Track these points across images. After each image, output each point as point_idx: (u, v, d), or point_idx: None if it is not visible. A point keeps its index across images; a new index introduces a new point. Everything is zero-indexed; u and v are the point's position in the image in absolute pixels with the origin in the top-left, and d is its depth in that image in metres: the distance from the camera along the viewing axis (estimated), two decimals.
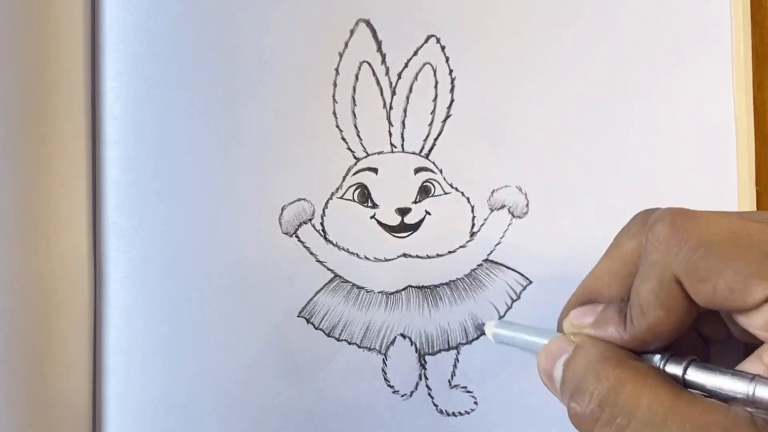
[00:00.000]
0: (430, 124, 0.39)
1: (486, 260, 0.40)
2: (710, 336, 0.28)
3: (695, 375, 0.25)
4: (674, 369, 0.25)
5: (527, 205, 0.39)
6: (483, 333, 0.33)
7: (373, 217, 0.39)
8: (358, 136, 0.39)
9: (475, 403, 0.39)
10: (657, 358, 0.26)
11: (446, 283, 0.39)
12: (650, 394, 0.24)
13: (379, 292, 0.39)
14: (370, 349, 0.39)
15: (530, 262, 0.39)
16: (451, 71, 0.39)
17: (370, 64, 0.39)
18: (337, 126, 0.39)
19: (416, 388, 0.39)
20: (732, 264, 0.23)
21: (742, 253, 0.24)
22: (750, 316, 0.24)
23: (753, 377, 0.24)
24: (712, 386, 0.24)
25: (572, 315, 0.28)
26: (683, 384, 0.25)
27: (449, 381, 0.39)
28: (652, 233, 0.25)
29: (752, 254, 0.23)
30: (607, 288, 0.28)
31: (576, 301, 0.29)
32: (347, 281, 0.39)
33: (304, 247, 0.39)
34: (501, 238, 0.40)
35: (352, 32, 0.39)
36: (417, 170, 0.39)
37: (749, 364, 0.24)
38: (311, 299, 0.39)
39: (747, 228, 0.24)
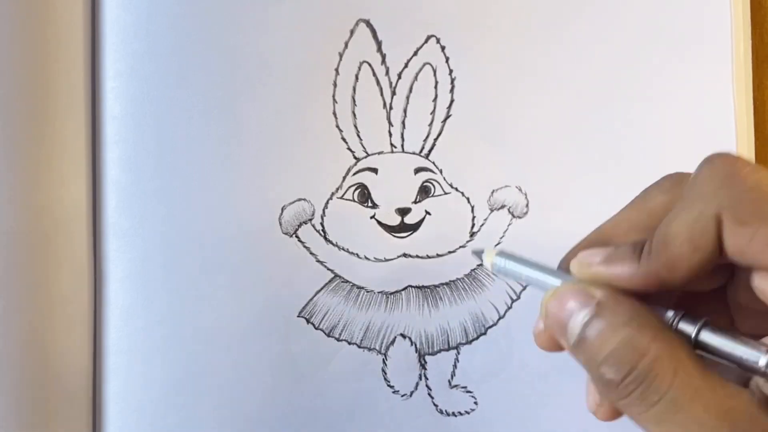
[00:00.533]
0: (430, 124, 0.39)
1: None
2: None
3: (708, 337, 0.24)
4: (687, 327, 0.25)
5: (527, 205, 0.39)
6: (480, 261, 0.30)
7: (373, 217, 0.39)
8: (358, 136, 0.39)
9: (475, 403, 0.39)
10: (670, 314, 0.25)
11: (446, 283, 0.39)
12: (682, 374, 0.23)
13: (379, 292, 0.39)
14: (370, 349, 0.39)
15: None
16: (451, 71, 0.39)
17: (370, 64, 0.39)
18: (337, 126, 0.39)
19: (416, 388, 0.39)
20: None
21: None
22: None
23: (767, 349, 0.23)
24: (724, 351, 0.24)
25: (582, 255, 0.26)
26: (694, 344, 0.25)
27: (449, 381, 0.39)
28: (711, 165, 0.24)
29: None
30: (623, 236, 0.27)
31: (586, 243, 0.28)
32: (347, 281, 0.39)
33: (304, 247, 0.39)
34: (501, 238, 0.40)
35: (352, 32, 0.39)
36: (417, 170, 0.39)
37: None
38: (311, 299, 0.39)
39: None
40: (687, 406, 0.23)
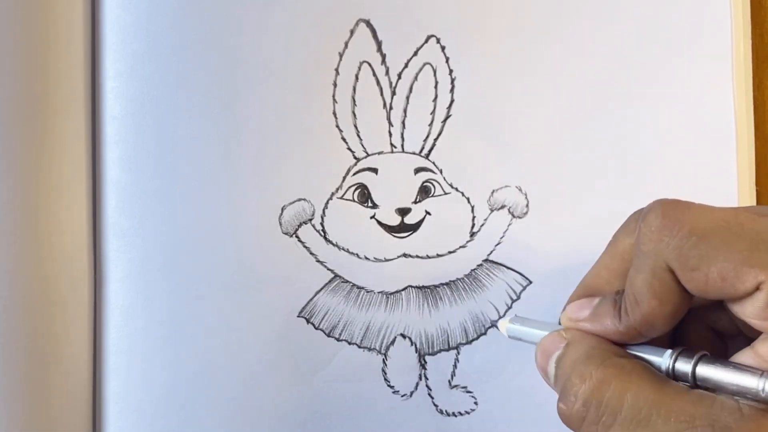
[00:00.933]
0: (430, 124, 0.39)
1: (486, 260, 0.40)
2: (726, 331, 0.28)
3: (705, 370, 0.25)
4: (684, 365, 0.25)
5: (527, 205, 0.39)
6: (495, 327, 0.33)
7: (373, 217, 0.39)
8: (358, 136, 0.39)
9: (475, 403, 0.39)
10: (668, 353, 0.26)
11: (446, 283, 0.39)
12: (634, 391, 0.24)
13: (379, 292, 0.39)
14: (370, 349, 0.39)
15: (530, 262, 0.39)
16: (451, 71, 0.39)
17: (370, 64, 0.39)
18: (337, 126, 0.39)
19: (416, 388, 0.39)
20: (723, 252, 0.24)
21: (733, 241, 0.24)
22: (743, 304, 0.24)
23: (762, 373, 0.24)
24: (722, 382, 0.24)
25: (569, 309, 0.28)
26: (693, 379, 0.25)
27: (449, 381, 0.39)
28: (645, 223, 0.25)
29: (743, 242, 0.24)
30: (606, 284, 0.28)
31: (575, 297, 0.29)
32: (347, 281, 0.39)
33: (304, 247, 0.39)
34: (501, 238, 0.40)
35: (352, 32, 0.39)
36: (417, 170, 0.39)
37: (742, 356, 0.25)
38: (311, 299, 0.39)
39: (738, 217, 0.24)
40: (645, 421, 0.24)
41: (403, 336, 0.39)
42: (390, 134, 0.39)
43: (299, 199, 0.39)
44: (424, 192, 0.39)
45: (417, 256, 0.39)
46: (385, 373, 0.39)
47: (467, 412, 0.39)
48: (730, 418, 0.23)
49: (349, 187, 0.39)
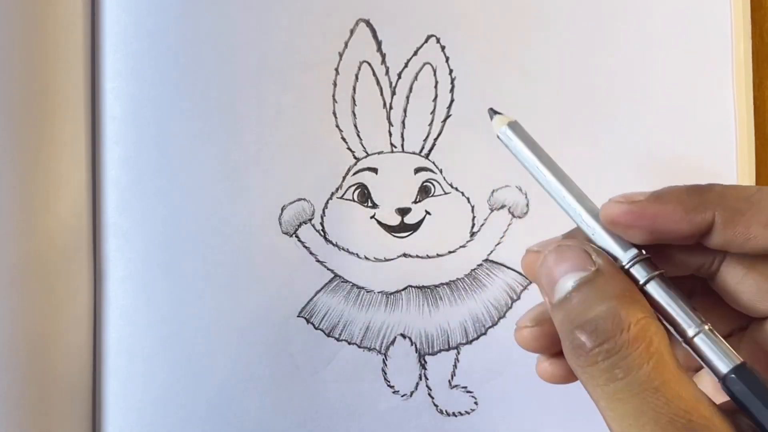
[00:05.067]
0: (430, 124, 0.39)
1: (486, 260, 0.40)
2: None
3: (654, 290, 0.25)
4: (640, 274, 0.25)
5: (527, 205, 0.39)
6: (489, 115, 0.29)
7: (373, 217, 0.39)
8: (358, 136, 0.39)
9: (475, 403, 0.39)
10: (633, 252, 0.26)
11: (446, 283, 0.39)
12: (657, 361, 0.23)
13: (379, 292, 0.39)
14: (370, 349, 0.39)
15: None
16: (451, 71, 0.39)
17: (370, 64, 0.39)
18: (337, 126, 0.39)
19: (416, 388, 0.39)
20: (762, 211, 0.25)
21: None
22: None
23: (701, 323, 0.24)
24: (660, 306, 0.25)
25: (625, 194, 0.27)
26: (640, 290, 0.25)
27: (449, 381, 0.39)
28: None
29: None
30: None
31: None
32: (347, 281, 0.39)
33: (304, 247, 0.39)
34: (501, 238, 0.40)
35: (352, 32, 0.39)
36: (417, 170, 0.39)
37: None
38: (311, 299, 0.39)
39: None
40: (651, 393, 0.23)
41: (403, 336, 0.39)
42: (390, 134, 0.39)
43: (299, 199, 0.39)
44: (424, 192, 0.39)
45: (417, 256, 0.39)
46: (385, 373, 0.39)
47: (467, 412, 0.39)
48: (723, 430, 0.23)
49: (349, 187, 0.39)
